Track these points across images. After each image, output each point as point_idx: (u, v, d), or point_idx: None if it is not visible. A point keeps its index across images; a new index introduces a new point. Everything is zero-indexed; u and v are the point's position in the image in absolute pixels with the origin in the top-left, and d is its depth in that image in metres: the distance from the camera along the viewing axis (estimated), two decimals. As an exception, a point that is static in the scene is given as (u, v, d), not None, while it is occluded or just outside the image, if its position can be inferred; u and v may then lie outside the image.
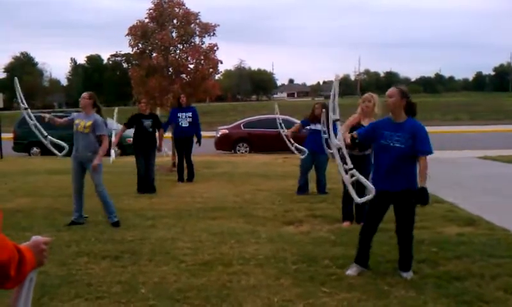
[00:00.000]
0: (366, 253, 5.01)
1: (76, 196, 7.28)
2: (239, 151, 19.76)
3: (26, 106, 7.36)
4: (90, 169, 7.07)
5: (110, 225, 7.03)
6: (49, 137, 7.58)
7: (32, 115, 7.48)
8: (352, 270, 4.93)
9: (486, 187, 10.28)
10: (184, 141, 11.47)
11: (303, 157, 9.58)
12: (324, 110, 8.76)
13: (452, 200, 8.51)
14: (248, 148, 19.81)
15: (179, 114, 11.47)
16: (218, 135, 20.18)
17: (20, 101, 7.30)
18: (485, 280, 4.65)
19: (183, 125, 11.42)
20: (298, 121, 20.43)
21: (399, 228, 4.92)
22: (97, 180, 7.12)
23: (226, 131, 20.32)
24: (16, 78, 7.66)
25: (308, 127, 9.65)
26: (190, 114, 11.50)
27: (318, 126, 9.28)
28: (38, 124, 7.47)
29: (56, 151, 7.71)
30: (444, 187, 9.54)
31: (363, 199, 4.96)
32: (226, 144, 20.07)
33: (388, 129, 4.83)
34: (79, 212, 7.28)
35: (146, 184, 9.95)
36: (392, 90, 4.88)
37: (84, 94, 7.35)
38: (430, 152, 4.76)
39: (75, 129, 7.20)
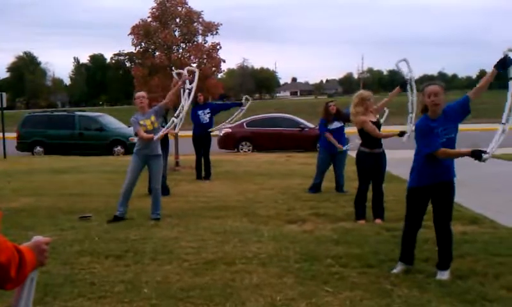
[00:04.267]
0: (412, 251, 4.95)
1: (125, 194, 7.43)
2: (242, 150, 19.76)
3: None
4: (154, 165, 7.47)
5: (154, 222, 7.24)
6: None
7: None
8: (398, 269, 4.90)
9: (490, 185, 10.25)
10: (204, 138, 11.73)
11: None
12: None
13: (456, 198, 8.45)
14: (250, 147, 19.81)
15: (199, 112, 11.77)
16: (221, 134, 20.17)
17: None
18: (488, 279, 4.63)
19: (203, 122, 11.74)
20: (302, 121, 20.64)
21: (441, 222, 4.87)
22: (158, 177, 7.53)
23: (230, 130, 20.32)
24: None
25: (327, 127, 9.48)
26: (208, 110, 11.80)
27: (335, 125, 9.29)
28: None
29: None
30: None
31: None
32: (229, 143, 20.07)
33: (438, 127, 4.73)
34: (124, 207, 7.42)
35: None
36: (437, 88, 4.73)
37: (142, 94, 7.61)
38: None
39: (144, 129, 7.40)
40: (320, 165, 9.63)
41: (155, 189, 7.50)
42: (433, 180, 4.77)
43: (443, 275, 4.71)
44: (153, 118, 7.42)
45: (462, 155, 4.63)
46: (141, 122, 7.41)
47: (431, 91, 4.69)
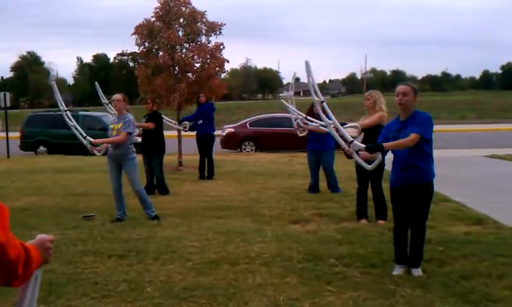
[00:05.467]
0: (404, 251, 4.97)
1: (116, 196, 7.40)
2: (244, 149, 19.73)
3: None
4: (126, 167, 7.33)
5: (149, 219, 7.28)
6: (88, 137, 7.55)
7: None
8: (397, 271, 4.92)
9: (494, 185, 10.22)
10: (205, 138, 11.68)
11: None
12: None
13: (460, 199, 8.48)
14: (253, 147, 19.79)
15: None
16: (224, 134, 20.16)
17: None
18: (492, 279, 4.62)
19: (201, 123, 11.76)
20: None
21: (416, 223, 4.90)
22: (132, 179, 7.37)
23: (232, 130, 20.30)
24: None
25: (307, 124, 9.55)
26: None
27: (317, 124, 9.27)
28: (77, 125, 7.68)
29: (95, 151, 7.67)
30: (451, 186, 9.50)
31: (372, 166, 4.99)
32: (232, 142, 20.04)
33: (397, 127, 4.79)
34: (121, 210, 7.40)
35: (152, 185, 9.90)
36: (406, 88, 4.80)
37: (117, 97, 7.49)
38: (422, 133, 4.64)
39: (109, 134, 7.49)
40: (310, 166, 9.64)
41: (136, 191, 7.43)
42: (401, 183, 4.85)
43: (417, 272, 4.83)
44: (120, 125, 7.31)
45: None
46: (111, 126, 7.54)
47: (399, 90, 4.81)
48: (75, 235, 6.45)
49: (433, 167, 4.89)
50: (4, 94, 18.58)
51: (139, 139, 7.69)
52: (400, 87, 4.82)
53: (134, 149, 7.47)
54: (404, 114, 4.83)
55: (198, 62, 13.95)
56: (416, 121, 4.71)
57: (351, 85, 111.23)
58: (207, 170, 11.75)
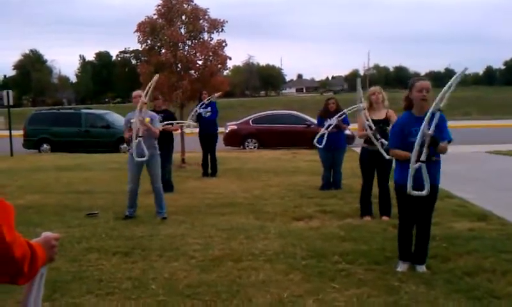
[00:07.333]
0: (408, 248, 4.96)
1: (132, 195, 7.40)
2: (247, 147, 19.73)
3: None
4: (152, 162, 7.35)
5: (155, 217, 7.28)
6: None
7: None
8: (401, 267, 4.91)
9: (498, 182, 10.20)
10: (208, 136, 11.71)
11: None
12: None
13: (463, 195, 8.46)
14: (256, 144, 19.78)
15: (201, 110, 11.79)
16: (227, 131, 20.16)
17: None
18: (496, 275, 4.61)
19: (208, 119, 11.76)
20: (308, 117, 20.60)
21: (423, 221, 4.91)
22: (157, 175, 7.44)
23: (235, 127, 20.29)
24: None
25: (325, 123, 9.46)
26: (209, 108, 11.82)
27: (332, 121, 9.24)
28: None
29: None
30: (455, 182, 9.48)
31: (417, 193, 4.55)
32: (235, 140, 20.05)
33: (414, 125, 4.65)
34: (133, 208, 7.42)
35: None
36: (428, 84, 4.75)
37: (140, 93, 7.44)
38: (451, 139, 4.70)
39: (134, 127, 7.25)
40: (324, 163, 9.62)
41: (156, 188, 7.46)
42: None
43: (421, 269, 4.85)
44: (147, 120, 7.28)
45: (407, 157, 4.53)
46: (134, 120, 7.29)
47: (424, 86, 4.72)
48: (79, 233, 6.46)
49: None
50: (7, 93, 18.60)
51: None
52: (425, 83, 4.74)
53: None
54: (422, 111, 4.65)
55: (200, 60, 13.97)
56: (438, 125, 4.45)
57: (354, 82, 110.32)
58: (210, 167, 11.77)
